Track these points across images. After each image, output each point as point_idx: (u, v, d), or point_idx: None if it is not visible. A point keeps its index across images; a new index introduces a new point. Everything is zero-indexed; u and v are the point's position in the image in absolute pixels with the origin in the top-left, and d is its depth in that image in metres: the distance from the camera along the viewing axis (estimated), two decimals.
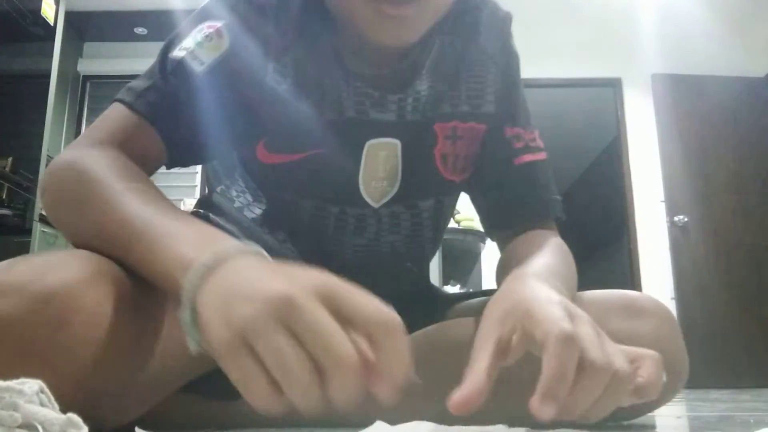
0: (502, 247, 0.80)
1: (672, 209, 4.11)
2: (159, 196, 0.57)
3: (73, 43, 4.66)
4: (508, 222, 0.80)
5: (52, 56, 3.64)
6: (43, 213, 3.71)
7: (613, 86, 4.59)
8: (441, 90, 0.75)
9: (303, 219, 0.75)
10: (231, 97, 0.68)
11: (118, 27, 4.70)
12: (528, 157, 0.79)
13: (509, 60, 0.81)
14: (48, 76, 3.61)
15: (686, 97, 4.27)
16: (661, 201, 4.20)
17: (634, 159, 4.44)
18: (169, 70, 0.66)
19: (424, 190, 0.77)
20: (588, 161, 6.46)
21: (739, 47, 4.35)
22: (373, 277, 0.77)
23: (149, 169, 0.66)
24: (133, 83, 0.68)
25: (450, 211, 0.84)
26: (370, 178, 0.74)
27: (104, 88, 4.85)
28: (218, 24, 0.68)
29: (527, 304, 0.46)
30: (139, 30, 4.71)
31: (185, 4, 4.11)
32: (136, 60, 4.60)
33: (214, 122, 0.69)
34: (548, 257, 0.66)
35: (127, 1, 4.45)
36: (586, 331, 0.43)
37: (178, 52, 0.67)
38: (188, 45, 0.67)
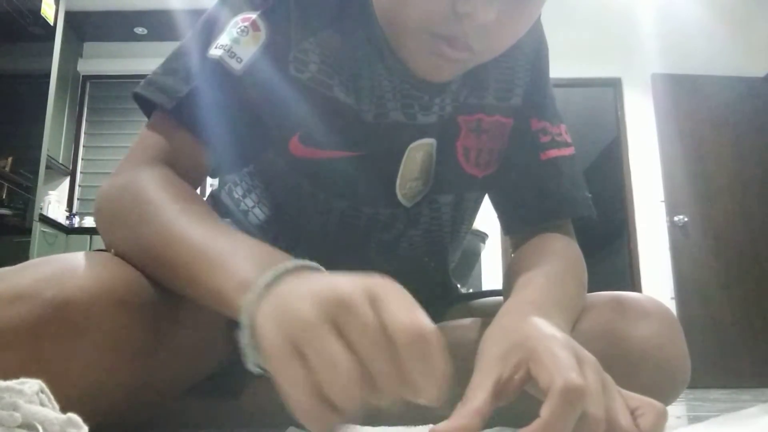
0: (515, 248, 0.77)
1: (672, 209, 4.11)
2: (213, 218, 0.55)
3: (73, 43, 4.66)
4: (528, 220, 0.76)
5: (52, 56, 3.64)
6: (43, 213, 3.71)
7: (613, 86, 4.59)
8: (471, 85, 0.72)
9: (332, 220, 0.72)
10: (269, 92, 0.66)
11: (118, 27, 4.70)
12: (554, 152, 0.76)
13: (539, 49, 0.78)
14: (48, 76, 3.61)
15: (686, 97, 4.27)
16: (661, 201, 4.20)
17: (634, 159, 4.44)
18: (208, 72, 0.64)
19: (444, 185, 0.74)
20: (588, 161, 6.46)
21: (739, 47, 4.35)
22: (389, 271, 0.77)
23: (198, 180, 0.65)
24: (170, 82, 0.64)
25: (473, 207, 0.81)
26: (406, 179, 0.72)
27: (104, 88, 4.86)
28: (253, 16, 0.65)
29: (532, 344, 0.44)
30: (139, 30, 4.71)
31: (185, 4, 4.12)
32: (136, 60, 4.60)
33: (254, 123, 0.66)
34: (552, 276, 0.63)
35: (127, 1, 4.45)
36: (592, 379, 0.41)
37: (214, 51, 0.64)
38: (224, 42, 0.64)
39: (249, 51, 0.64)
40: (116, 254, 0.56)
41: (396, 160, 0.70)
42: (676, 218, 4.08)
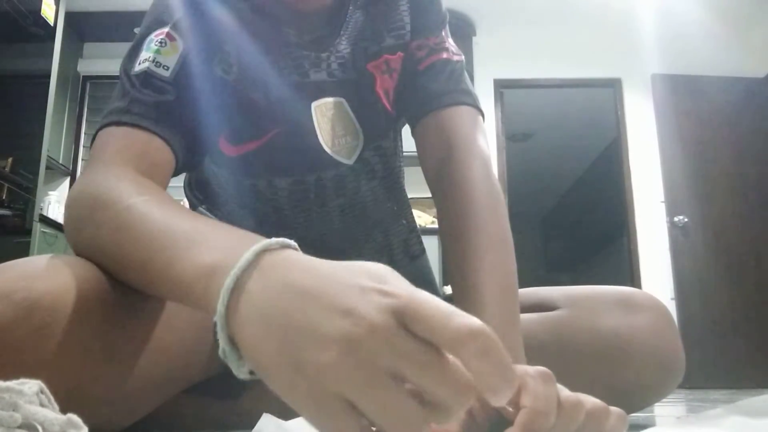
0: (426, 176, 0.77)
1: (672, 209, 4.11)
2: (173, 204, 0.52)
3: (73, 43, 4.66)
4: (421, 106, 0.79)
5: (52, 56, 3.64)
6: (43, 213, 3.71)
7: (613, 86, 4.59)
8: (363, 45, 0.78)
9: (281, 200, 0.77)
10: (198, 94, 0.69)
11: (118, 27, 4.69)
12: (432, 59, 0.79)
13: None
14: (48, 76, 3.60)
15: (686, 97, 4.27)
16: (661, 201, 4.20)
17: (634, 159, 4.44)
18: (140, 85, 0.66)
19: (382, 130, 0.81)
20: (588, 161, 6.44)
21: (739, 47, 4.35)
22: (363, 232, 0.83)
23: (162, 178, 0.64)
24: (110, 108, 0.67)
25: (399, 138, 0.88)
26: (330, 137, 0.76)
27: (104, 88, 4.85)
28: (165, 29, 0.69)
29: None
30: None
31: None
32: None
33: (194, 121, 0.69)
34: (497, 278, 0.61)
35: (127, 1, 4.45)
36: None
37: (140, 67, 0.67)
38: (147, 56, 0.67)
39: (172, 59, 0.68)
40: (82, 257, 0.54)
41: (309, 122, 0.75)
42: (676, 218, 4.08)
